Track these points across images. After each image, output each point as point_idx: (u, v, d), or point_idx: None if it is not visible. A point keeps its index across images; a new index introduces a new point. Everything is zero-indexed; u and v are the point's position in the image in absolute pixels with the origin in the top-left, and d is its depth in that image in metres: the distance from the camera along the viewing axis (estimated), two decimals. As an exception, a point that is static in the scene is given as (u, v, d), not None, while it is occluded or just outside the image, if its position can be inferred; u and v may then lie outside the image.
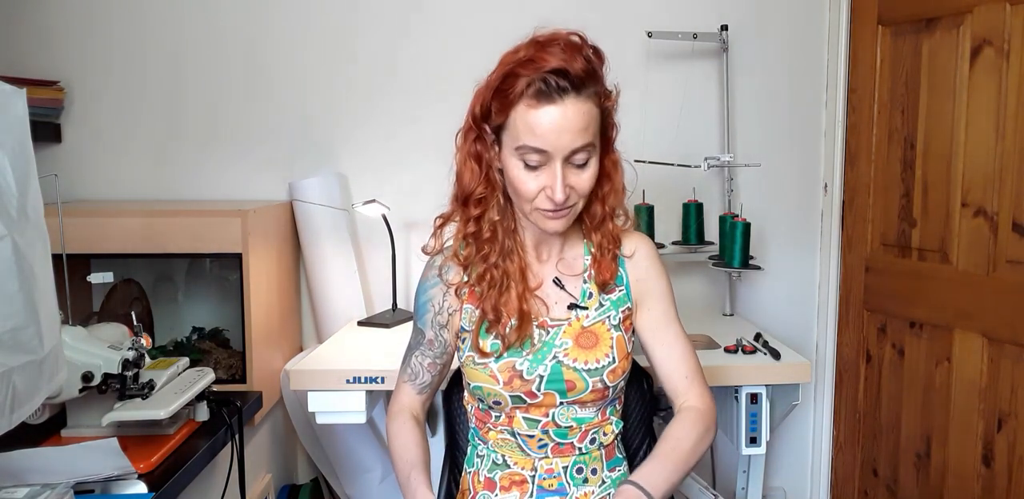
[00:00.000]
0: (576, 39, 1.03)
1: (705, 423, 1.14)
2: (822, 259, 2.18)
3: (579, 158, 1.03)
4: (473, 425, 1.21)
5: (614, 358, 1.13)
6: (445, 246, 1.17)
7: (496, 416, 1.15)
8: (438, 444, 1.40)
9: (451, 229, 1.16)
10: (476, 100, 1.08)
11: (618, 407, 1.20)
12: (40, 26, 2.00)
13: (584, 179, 1.06)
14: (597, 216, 1.15)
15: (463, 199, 1.12)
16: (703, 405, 1.16)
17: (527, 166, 1.04)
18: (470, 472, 1.21)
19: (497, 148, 1.08)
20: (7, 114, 0.88)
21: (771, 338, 1.76)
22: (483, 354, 1.12)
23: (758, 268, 1.87)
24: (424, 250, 1.19)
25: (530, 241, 1.17)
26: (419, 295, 1.19)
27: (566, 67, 0.99)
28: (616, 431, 1.19)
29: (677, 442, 1.11)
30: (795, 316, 2.19)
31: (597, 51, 1.05)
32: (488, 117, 1.06)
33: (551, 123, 0.99)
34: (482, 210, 1.12)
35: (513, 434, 1.14)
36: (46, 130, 1.98)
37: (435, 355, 1.19)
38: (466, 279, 1.15)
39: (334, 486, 2.06)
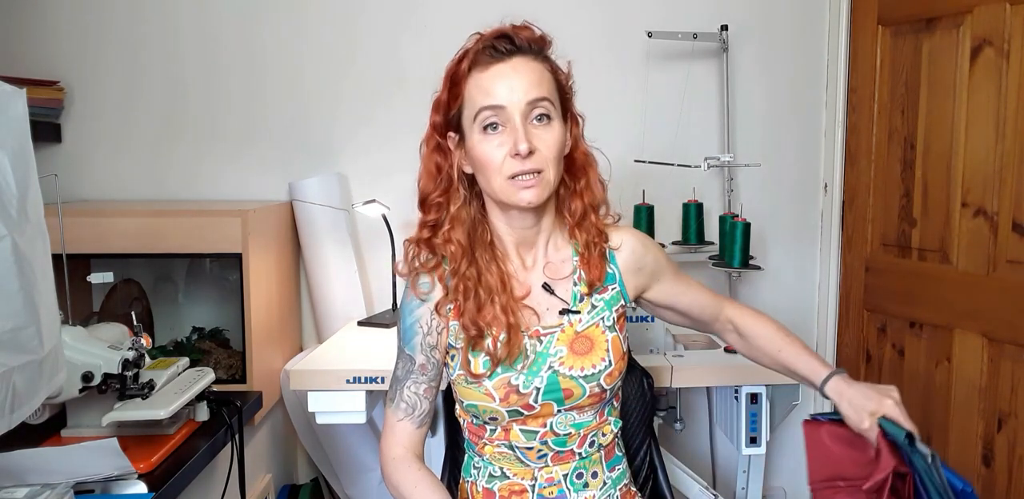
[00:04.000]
0: (521, 23, 1.06)
1: (768, 317, 1.22)
2: (822, 259, 2.18)
3: (538, 113, 1.03)
4: (467, 438, 1.18)
5: (610, 361, 1.11)
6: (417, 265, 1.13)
7: (492, 430, 1.12)
8: (438, 444, 1.40)
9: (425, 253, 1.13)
10: (434, 106, 1.09)
11: (616, 405, 1.19)
12: (40, 26, 2.00)
13: (548, 138, 1.03)
14: (578, 212, 1.12)
15: (420, 203, 1.11)
16: (750, 309, 1.24)
17: (488, 130, 1.03)
18: (468, 481, 1.18)
19: (462, 148, 1.07)
20: (7, 114, 0.88)
21: (771, 338, 1.76)
22: (475, 376, 1.08)
23: (758, 268, 1.87)
24: (396, 271, 1.16)
25: (512, 248, 1.13)
26: (404, 318, 1.12)
27: (509, 33, 1.03)
28: (615, 430, 1.17)
29: (787, 334, 1.18)
30: (795, 316, 2.19)
31: (543, 34, 1.07)
32: (448, 114, 1.07)
33: (501, 77, 1.02)
34: (437, 216, 1.10)
35: (511, 447, 1.11)
36: (46, 130, 1.98)
37: (429, 379, 1.13)
38: (443, 293, 1.11)
39: (334, 486, 2.06)
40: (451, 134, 1.08)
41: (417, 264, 1.12)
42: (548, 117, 1.04)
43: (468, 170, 1.09)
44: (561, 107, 1.07)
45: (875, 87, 1.98)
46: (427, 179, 1.10)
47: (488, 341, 1.08)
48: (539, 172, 1.03)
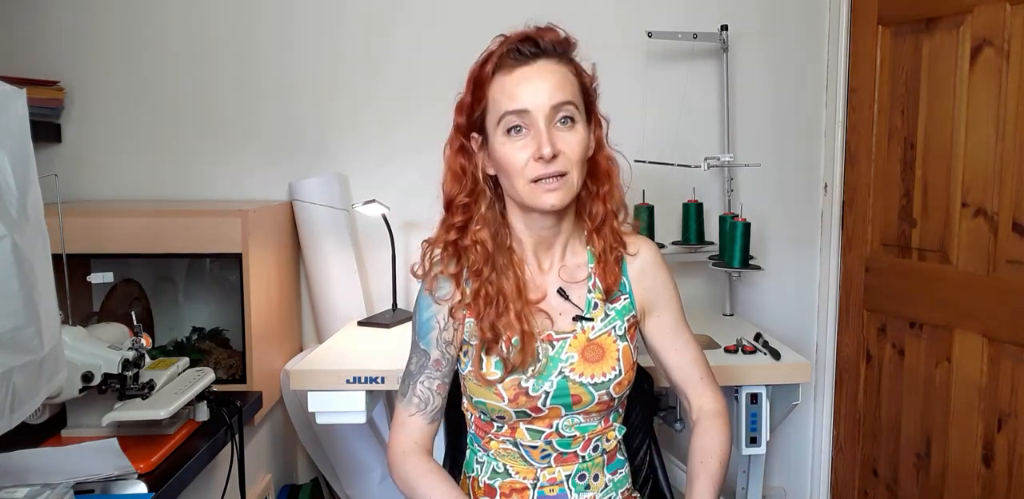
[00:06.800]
0: (545, 25, 1.06)
1: (729, 426, 1.16)
2: (822, 259, 2.18)
3: (562, 116, 1.02)
4: (473, 432, 1.19)
5: (621, 370, 1.11)
6: (435, 263, 1.13)
7: (498, 427, 1.13)
8: (438, 444, 1.39)
9: (439, 252, 1.13)
10: (457, 107, 1.09)
11: (621, 412, 1.19)
12: (40, 26, 2.00)
13: (572, 141, 1.03)
14: (599, 216, 1.12)
15: (446, 205, 1.11)
16: (721, 405, 1.17)
17: (512, 133, 1.03)
18: (469, 477, 1.19)
19: (486, 150, 1.07)
20: (7, 114, 0.88)
21: (771, 338, 1.76)
22: (486, 381, 1.09)
23: (758, 268, 1.87)
24: (413, 272, 1.14)
25: (529, 251, 1.13)
26: (420, 312, 1.13)
27: (534, 36, 1.02)
28: (619, 436, 1.18)
29: (720, 456, 1.12)
30: (795, 316, 2.19)
31: (568, 36, 1.06)
32: (471, 116, 1.06)
33: (526, 81, 1.01)
34: (465, 218, 1.10)
35: (516, 444, 1.12)
36: (46, 130, 1.98)
37: (443, 375, 1.13)
38: (459, 298, 1.11)
39: (334, 486, 2.06)
40: (474, 135, 1.08)
41: (433, 266, 1.12)
42: (572, 120, 1.03)
43: (491, 172, 1.09)
44: (585, 110, 1.07)
45: (875, 87, 1.98)
46: (452, 181, 1.10)
47: (502, 345, 1.08)
48: (563, 175, 1.03)
